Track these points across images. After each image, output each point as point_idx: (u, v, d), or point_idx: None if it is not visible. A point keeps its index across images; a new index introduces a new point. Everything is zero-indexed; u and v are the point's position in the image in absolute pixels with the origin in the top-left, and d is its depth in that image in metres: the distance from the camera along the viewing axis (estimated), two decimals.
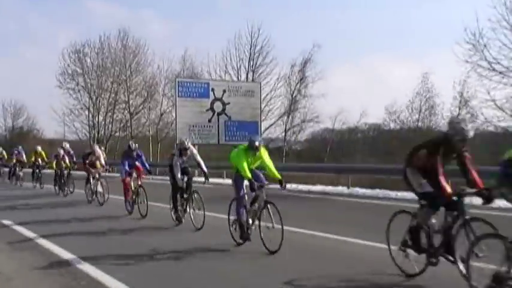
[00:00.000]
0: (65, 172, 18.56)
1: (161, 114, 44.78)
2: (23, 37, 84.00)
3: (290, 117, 43.90)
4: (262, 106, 35.44)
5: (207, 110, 28.30)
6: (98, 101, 46.45)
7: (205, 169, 10.81)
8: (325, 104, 73.80)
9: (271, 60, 42.43)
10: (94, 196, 15.35)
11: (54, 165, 19.09)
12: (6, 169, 27.11)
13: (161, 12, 78.46)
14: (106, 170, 16.18)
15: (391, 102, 39.59)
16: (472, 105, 31.70)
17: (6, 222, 11.65)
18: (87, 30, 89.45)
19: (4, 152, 28.38)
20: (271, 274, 6.55)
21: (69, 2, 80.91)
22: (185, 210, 10.69)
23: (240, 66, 42.48)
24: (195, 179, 11.45)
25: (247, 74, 42.29)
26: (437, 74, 62.04)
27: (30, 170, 23.42)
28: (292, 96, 43.61)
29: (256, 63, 42.51)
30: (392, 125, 38.93)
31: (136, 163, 13.19)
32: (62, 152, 19.05)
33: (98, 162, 15.73)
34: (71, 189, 18.08)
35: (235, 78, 40.82)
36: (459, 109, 34.32)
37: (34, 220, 11.77)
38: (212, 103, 28.45)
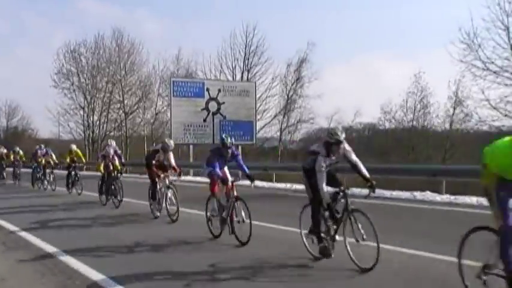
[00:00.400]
0: (116, 176, 14.53)
1: (156, 114, 44.76)
2: (17, 36, 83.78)
3: (286, 117, 43.97)
4: (258, 106, 35.46)
5: (202, 110, 28.30)
6: (92, 101, 46.43)
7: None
8: (320, 103, 73.81)
9: (266, 59, 42.57)
10: (160, 208, 11.72)
11: (102, 168, 15.13)
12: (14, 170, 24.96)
13: (156, 11, 78.36)
14: (179, 174, 12.08)
15: (386, 102, 39.52)
16: (467, 105, 31.85)
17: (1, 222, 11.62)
18: (82, 30, 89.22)
19: (21, 152, 25.62)
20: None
21: (63, 1, 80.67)
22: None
23: (235, 66, 42.60)
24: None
25: (242, 74, 42.35)
26: (432, 73, 62.26)
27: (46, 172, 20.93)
28: (288, 96, 43.68)
29: (251, 63, 42.62)
30: (387, 125, 39.06)
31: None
32: (111, 151, 15.04)
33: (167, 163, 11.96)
34: (119, 198, 14.02)
35: (230, 78, 40.85)
36: (454, 109, 34.47)
37: (45, 227, 11.73)
38: (207, 103, 28.45)
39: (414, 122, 37.90)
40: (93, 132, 46.84)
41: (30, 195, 18.45)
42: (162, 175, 11.69)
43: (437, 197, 14.29)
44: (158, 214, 11.67)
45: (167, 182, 11.48)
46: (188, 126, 27.91)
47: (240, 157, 8.99)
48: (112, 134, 46.89)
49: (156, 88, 44.94)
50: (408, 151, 35.93)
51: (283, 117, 43.86)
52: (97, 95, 46.36)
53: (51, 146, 27.03)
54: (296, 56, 43.93)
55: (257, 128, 33.13)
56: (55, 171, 21.54)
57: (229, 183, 8.43)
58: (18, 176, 24.46)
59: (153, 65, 45.64)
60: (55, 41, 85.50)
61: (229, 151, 8.71)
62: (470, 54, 25.60)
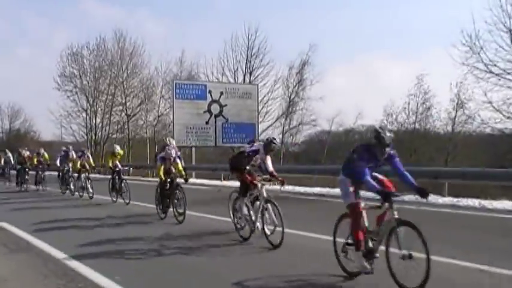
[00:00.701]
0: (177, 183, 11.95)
1: (159, 116, 44.77)
2: (19, 38, 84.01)
3: (288, 119, 43.96)
4: (260, 108, 35.45)
5: (205, 112, 28.35)
6: (95, 103, 46.45)
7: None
8: (322, 105, 73.72)
9: (268, 62, 42.47)
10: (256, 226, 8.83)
11: (162, 173, 12.01)
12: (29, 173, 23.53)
13: (157, 12, 78.44)
14: (269, 180, 8.92)
15: (388, 104, 39.43)
16: (469, 107, 31.76)
17: (2, 224, 11.62)
18: (83, 31, 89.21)
19: (46, 154, 23.57)
20: None
21: (65, 3, 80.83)
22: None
23: (237, 68, 42.50)
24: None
25: (244, 76, 42.30)
26: (434, 75, 62.08)
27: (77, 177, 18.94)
28: (290, 98, 43.67)
29: (253, 65, 42.53)
30: (390, 127, 38.95)
31: None
32: (173, 152, 12.05)
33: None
34: (180, 210, 11.40)
35: (232, 80, 40.81)
36: (456, 111, 34.37)
37: (46, 227, 11.74)
38: (209, 105, 28.50)
39: (416, 124, 37.87)
40: (95, 135, 46.89)
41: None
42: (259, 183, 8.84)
43: (440, 200, 14.28)
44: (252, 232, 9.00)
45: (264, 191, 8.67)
46: (191, 128, 27.97)
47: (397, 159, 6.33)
48: (114, 136, 46.93)
49: (159, 90, 44.98)
50: (410, 153, 35.86)
51: (285, 119, 43.86)
52: (99, 98, 46.39)
53: (54, 148, 27.01)
54: (298, 58, 43.86)
55: (259, 131, 33.14)
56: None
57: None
58: (42, 180, 22.36)
59: (156, 67, 45.52)
60: (56, 43, 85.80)
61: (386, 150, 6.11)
62: (472, 56, 25.54)
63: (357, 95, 69.89)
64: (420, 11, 71.70)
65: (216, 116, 28.55)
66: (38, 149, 24.82)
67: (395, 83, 69.76)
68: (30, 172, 23.56)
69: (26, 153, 24.67)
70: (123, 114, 45.85)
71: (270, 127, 43.33)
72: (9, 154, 28.85)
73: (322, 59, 58.52)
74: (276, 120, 43.44)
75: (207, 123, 28.35)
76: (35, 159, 23.43)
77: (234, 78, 41.72)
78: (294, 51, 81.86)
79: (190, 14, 74.33)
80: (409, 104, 37.36)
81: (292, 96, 43.71)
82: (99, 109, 46.82)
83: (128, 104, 45.44)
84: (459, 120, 34.20)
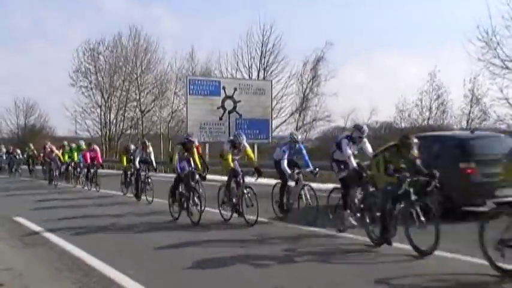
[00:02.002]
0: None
1: (173, 112, 44.86)
2: (34, 34, 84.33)
3: (302, 115, 43.85)
4: (274, 104, 35.44)
5: (218, 108, 28.36)
6: (109, 99, 46.63)
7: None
8: (336, 102, 73.41)
9: (282, 58, 42.40)
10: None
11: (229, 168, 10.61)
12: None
13: (172, 8, 78.26)
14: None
15: (401, 100, 39.14)
16: (484, 103, 31.47)
17: (18, 219, 11.72)
18: (99, 27, 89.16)
19: (76, 153, 21.08)
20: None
21: None
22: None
23: (252, 65, 42.52)
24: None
25: (258, 72, 42.29)
26: (447, 71, 61.79)
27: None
28: (304, 94, 43.54)
29: (267, 61, 42.51)
30: (403, 124, 38.76)
31: None
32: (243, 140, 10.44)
33: None
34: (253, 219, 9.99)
35: (246, 76, 40.82)
36: (470, 107, 34.07)
37: (50, 218, 11.83)
38: (223, 101, 28.50)
39: (430, 121, 37.60)
40: (109, 131, 47.09)
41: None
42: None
43: None
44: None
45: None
46: (204, 124, 28.00)
47: None
48: (128, 132, 47.13)
49: (173, 86, 45.07)
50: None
51: (299, 115, 43.77)
52: (114, 94, 46.57)
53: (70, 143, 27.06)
54: (313, 54, 43.68)
55: (273, 126, 33.12)
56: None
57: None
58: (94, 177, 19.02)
59: (169, 63, 45.55)
60: (72, 38, 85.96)
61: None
62: (488, 52, 25.31)
63: (371, 91, 69.48)
64: (435, 7, 70.96)
65: (229, 112, 28.55)
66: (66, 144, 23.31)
67: (410, 79, 69.32)
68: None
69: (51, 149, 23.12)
70: (137, 110, 46.03)
71: (284, 123, 43.32)
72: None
73: (336, 55, 58.28)
74: (289, 116, 43.45)
75: (220, 119, 28.36)
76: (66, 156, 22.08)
77: (249, 74, 41.75)
78: (308, 47, 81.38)
79: (205, 10, 73.99)
80: (421, 100, 37.14)
81: (306, 92, 43.62)
82: (114, 105, 47.02)
83: (142, 100, 45.61)
84: (474, 116, 33.92)
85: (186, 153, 11.50)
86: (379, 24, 72.77)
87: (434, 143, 10.87)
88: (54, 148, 23.00)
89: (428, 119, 37.37)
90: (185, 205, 10.85)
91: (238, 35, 45.48)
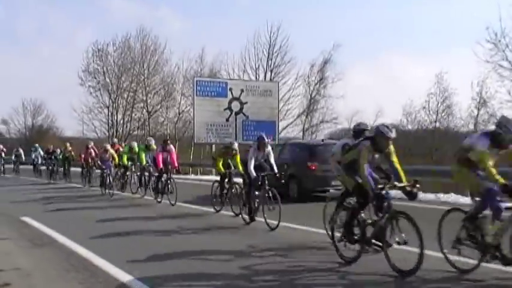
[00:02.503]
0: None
1: (179, 113, 44.93)
2: (42, 35, 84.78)
3: (309, 117, 43.79)
4: (280, 106, 35.42)
5: (225, 109, 28.38)
6: (117, 100, 46.74)
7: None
8: (343, 104, 73.34)
9: (289, 60, 42.38)
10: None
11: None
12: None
13: (179, 9, 78.51)
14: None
15: (408, 103, 39.04)
16: (491, 106, 31.37)
17: (25, 219, 11.78)
18: (106, 28, 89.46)
19: (114, 153, 18.64)
20: None
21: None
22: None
23: (259, 66, 42.52)
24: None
25: (265, 74, 42.29)
26: (454, 74, 61.70)
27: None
28: (311, 96, 43.50)
29: (274, 63, 42.50)
30: (410, 126, 38.66)
31: None
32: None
33: None
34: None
35: (253, 78, 40.81)
36: (478, 109, 33.96)
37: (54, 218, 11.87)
38: (230, 102, 28.51)
39: (437, 123, 37.52)
40: (116, 131, 47.19)
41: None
42: None
43: (461, 199, 14.11)
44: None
45: None
46: (211, 125, 28.03)
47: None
48: (135, 133, 47.24)
49: (180, 87, 45.14)
50: (431, 152, 35.51)
51: (306, 117, 43.72)
52: (121, 94, 46.67)
53: (76, 144, 27.10)
54: (320, 56, 43.63)
55: (280, 128, 33.10)
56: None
57: None
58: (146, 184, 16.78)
59: (177, 64, 45.59)
60: (79, 40, 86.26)
61: None
62: (497, 54, 25.23)
63: (377, 93, 69.45)
64: (444, 8, 70.80)
65: (236, 114, 28.56)
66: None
67: (416, 82, 69.20)
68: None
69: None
70: (144, 111, 46.13)
71: (291, 125, 43.31)
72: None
73: (344, 57, 58.23)
74: (296, 118, 43.40)
75: (227, 120, 28.38)
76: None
77: (256, 76, 41.75)
78: (315, 49, 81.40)
79: (212, 11, 74.36)
80: (428, 103, 37.05)
81: (313, 94, 43.58)
82: (121, 106, 47.12)
83: (148, 101, 45.71)
84: (481, 119, 33.81)
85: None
86: (386, 26, 72.87)
87: (295, 148, 16.25)
88: (109, 147, 18.76)
89: (435, 121, 37.30)
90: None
91: (246, 37, 45.45)
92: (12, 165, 31.41)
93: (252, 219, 10.44)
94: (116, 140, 24.68)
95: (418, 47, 71.39)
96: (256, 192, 10.34)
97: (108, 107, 46.89)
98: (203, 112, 28.02)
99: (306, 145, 17.07)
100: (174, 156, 14.99)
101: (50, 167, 26.02)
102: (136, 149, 17.45)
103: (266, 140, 10.53)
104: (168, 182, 14.34)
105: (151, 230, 10.10)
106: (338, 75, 43.02)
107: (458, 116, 36.82)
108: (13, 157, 31.50)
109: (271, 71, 42.47)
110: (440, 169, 17.77)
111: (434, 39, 72.06)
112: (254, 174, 10.12)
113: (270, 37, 42.14)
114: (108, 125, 47.51)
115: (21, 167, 31.13)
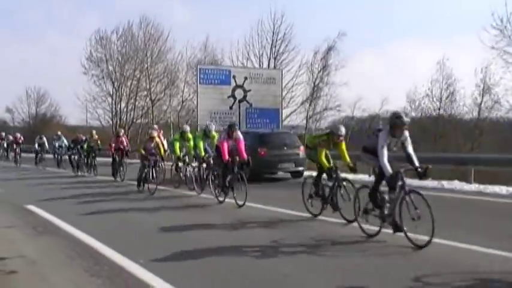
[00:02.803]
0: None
1: (183, 102, 44.89)
2: (47, 23, 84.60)
3: (312, 104, 43.68)
4: (284, 93, 35.29)
5: (229, 97, 28.28)
6: (120, 88, 46.70)
7: None
8: (347, 91, 73.06)
9: (293, 47, 42.15)
10: None
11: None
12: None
13: None
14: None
15: (411, 90, 38.77)
16: (496, 93, 31.21)
17: (30, 207, 11.82)
18: (110, 16, 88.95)
19: (161, 142, 16.17)
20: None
21: None
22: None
23: (262, 53, 42.31)
24: None
25: (269, 61, 42.10)
26: (461, 61, 61.22)
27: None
28: (314, 83, 43.35)
29: (278, 51, 42.29)
30: (413, 113, 38.45)
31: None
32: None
33: None
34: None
35: (257, 65, 40.64)
36: (482, 96, 33.74)
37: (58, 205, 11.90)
38: (233, 90, 28.41)
39: (441, 111, 37.32)
40: (120, 119, 47.19)
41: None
42: None
43: (465, 186, 14.13)
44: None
45: None
46: (214, 113, 27.94)
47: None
48: (139, 121, 47.25)
49: (183, 75, 45.03)
50: (436, 140, 35.36)
51: (310, 105, 43.60)
52: (124, 83, 46.61)
53: (79, 132, 26.73)
54: (324, 43, 43.36)
55: (283, 116, 33.02)
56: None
57: None
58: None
59: (180, 52, 45.40)
60: (83, 28, 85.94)
61: None
62: (502, 40, 25.07)
63: (382, 80, 69.02)
64: None
65: (240, 101, 28.46)
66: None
67: (421, 69, 68.85)
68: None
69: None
70: (148, 99, 46.09)
71: (294, 112, 43.22)
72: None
73: (349, 44, 57.90)
74: (300, 106, 43.28)
75: (230, 108, 28.30)
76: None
77: (259, 64, 41.58)
78: (319, 36, 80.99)
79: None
80: (432, 90, 36.86)
81: (316, 82, 43.41)
82: (124, 94, 47.11)
83: (152, 89, 45.65)
84: (485, 106, 33.62)
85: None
86: (390, 13, 72.29)
87: (250, 136, 17.03)
88: (155, 134, 15.40)
89: (439, 108, 37.13)
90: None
91: (249, 24, 45.31)
92: (33, 155, 28.38)
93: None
94: (156, 126, 21.79)
95: (424, 34, 70.82)
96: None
97: (111, 95, 46.86)
98: (207, 100, 27.94)
99: (257, 134, 19.09)
100: (242, 146, 11.94)
101: (76, 158, 23.17)
102: (190, 135, 15.31)
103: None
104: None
105: (157, 219, 10.14)
106: (341, 62, 42.80)
107: (462, 103, 36.60)
108: (36, 146, 27.97)
109: (274, 59, 42.29)
110: (444, 156, 17.76)
111: (440, 26, 71.40)
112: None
113: (273, 24, 41.90)
114: (111, 113, 47.50)
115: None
